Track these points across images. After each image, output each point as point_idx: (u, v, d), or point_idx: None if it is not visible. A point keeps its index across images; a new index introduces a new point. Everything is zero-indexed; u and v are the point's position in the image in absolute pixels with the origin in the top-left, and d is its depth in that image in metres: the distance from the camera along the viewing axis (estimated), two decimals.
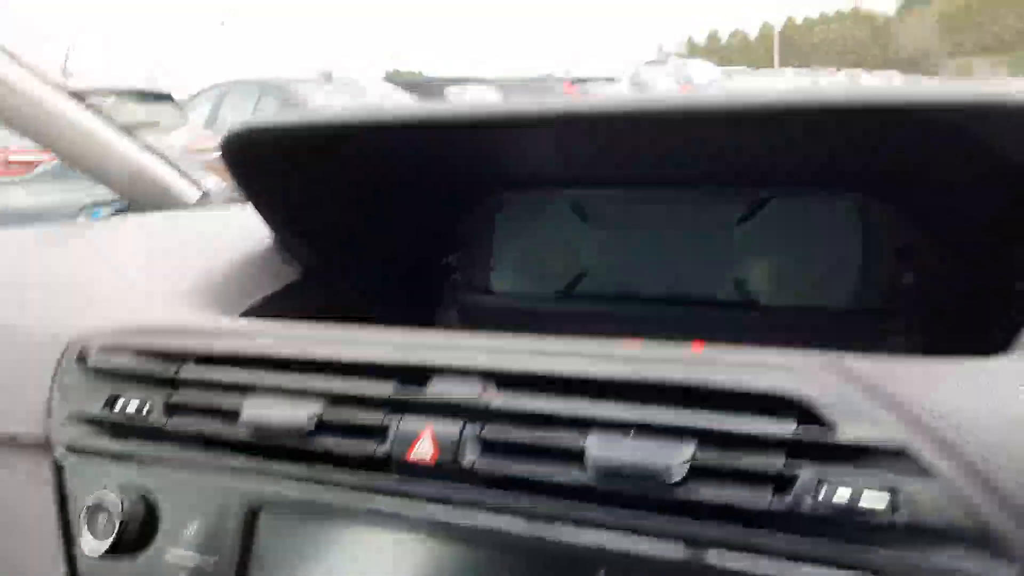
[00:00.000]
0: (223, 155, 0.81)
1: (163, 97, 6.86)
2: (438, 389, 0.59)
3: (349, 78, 10.18)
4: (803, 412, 0.48)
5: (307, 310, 0.91)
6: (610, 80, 11.44)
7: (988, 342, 0.71)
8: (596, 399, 0.55)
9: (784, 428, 0.48)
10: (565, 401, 0.55)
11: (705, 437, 0.50)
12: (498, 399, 0.57)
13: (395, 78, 15.00)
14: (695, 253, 1.01)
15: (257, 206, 0.88)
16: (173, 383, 0.65)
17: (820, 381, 0.49)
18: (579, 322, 1.04)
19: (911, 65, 44.09)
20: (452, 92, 9.10)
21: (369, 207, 0.99)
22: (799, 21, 59.08)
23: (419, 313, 1.10)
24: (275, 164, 0.84)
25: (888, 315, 0.92)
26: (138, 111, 6.50)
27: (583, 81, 11.06)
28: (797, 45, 56.20)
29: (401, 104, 0.91)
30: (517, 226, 1.09)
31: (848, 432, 0.46)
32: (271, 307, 0.87)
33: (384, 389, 0.60)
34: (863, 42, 54.25)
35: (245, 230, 0.94)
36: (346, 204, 0.96)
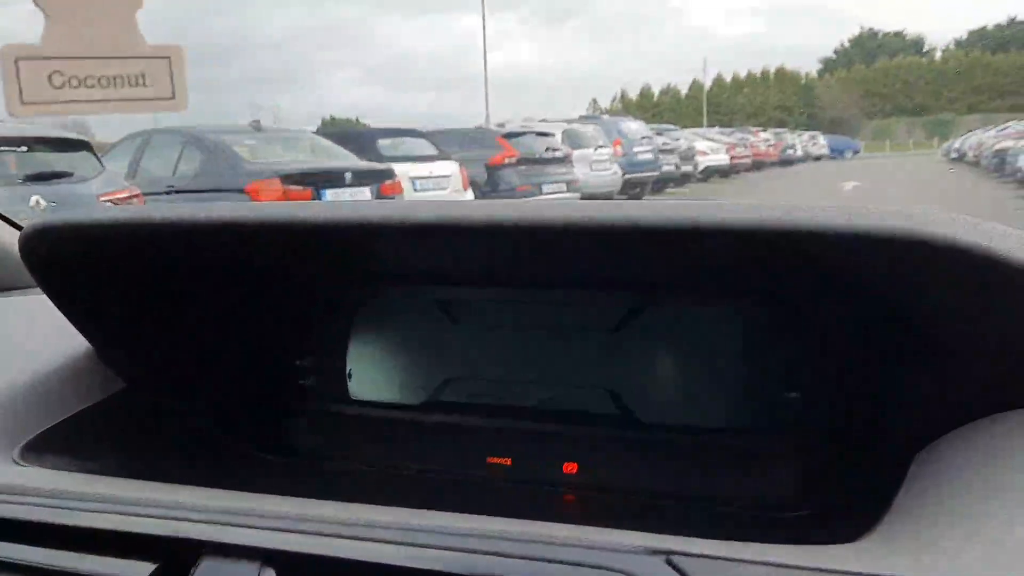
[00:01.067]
0: (22, 257, 0.72)
1: (80, 145, 6.63)
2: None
3: (280, 128, 10.07)
4: None
5: (128, 427, 0.82)
6: (543, 134, 11.56)
7: (875, 472, 0.67)
8: None
9: None
10: None
11: None
12: None
13: (329, 127, 14.95)
14: (569, 362, 0.93)
15: (67, 315, 0.78)
16: None
17: None
18: (445, 435, 0.96)
19: (834, 125, 46.13)
20: (383, 144, 9.06)
21: (201, 310, 0.90)
22: (728, 80, 61.38)
23: (267, 424, 1.00)
24: (83, 268, 0.75)
25: (771, 436, 0.86)
26: (52, 160, 6.27)
27: (516, 135, 11.15)
28: (726, 103, 58.28)
29: (231, 206, 0.72)
30: (377, 327, 1.00)
31: None
32: (77, 430, 0.76)
33: (140, 572, 0.51)
34: (788, 102, 56.58)
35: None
36: (172, 309, 0.87)
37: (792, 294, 0.83)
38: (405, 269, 0.95)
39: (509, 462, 0.93)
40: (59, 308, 0.78)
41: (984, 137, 21.03)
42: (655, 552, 0.47)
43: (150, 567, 0.51)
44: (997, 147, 16.81)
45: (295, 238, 0.74)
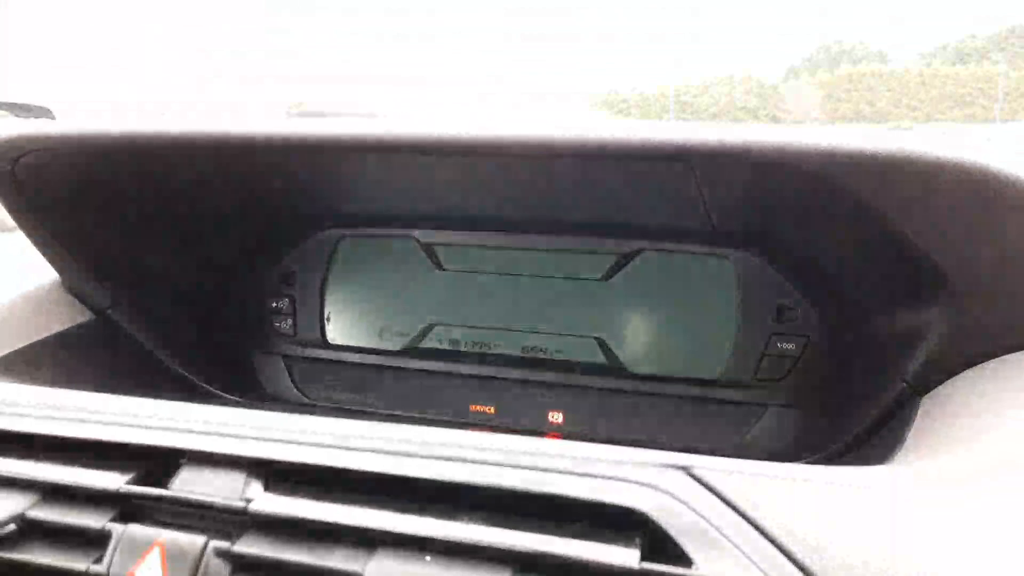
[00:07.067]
0: None
1: None
2: (184, 484, 0.45)
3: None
4: (651, 530, 0.40)
5: (93, 357, 0.81)
6: None
7: (881, 418, 0.66)
8: (390, 505, 0.42)
9: (630, 557, 0.38)
10: (348, 508, 0.42)
11: (529, 565, 0.39)
12: (262, 501, 0.43)
13: (292, 111, 15.00)
14: (557, 310, 0.90)
15: (33, 239, 0.76)
16: None
17: (669, 505, 0.40)
18: (426, 382, 0.95)
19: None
20: None
21: (170, 241, 0.87)
22: (695, 82, 61.98)
23: (238, 366, 0.98)
24: (51, 188, 0.72)
25: (768, 386, 0.84)
26: None
27: None
28: (692, 105, 58.90)
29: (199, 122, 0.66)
30: (358, 270, 0.97)
31: (705, 569, 0.37)
32: (41, 354, 0.74)
33: (113, 481, 0.46)
34: (751, 105, 57.35)
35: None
36: (142, 238, 0.84)
37: (789, 232, 0.77)
38: (382, 205, 0.89)
39: (493, 410, 0.92)
40: (25, 233, 0.76)
41: None
42: (674, 467, 0.42)
43: (127, 476, 0.46)
44: None
45: (262, 155, 0.70)
